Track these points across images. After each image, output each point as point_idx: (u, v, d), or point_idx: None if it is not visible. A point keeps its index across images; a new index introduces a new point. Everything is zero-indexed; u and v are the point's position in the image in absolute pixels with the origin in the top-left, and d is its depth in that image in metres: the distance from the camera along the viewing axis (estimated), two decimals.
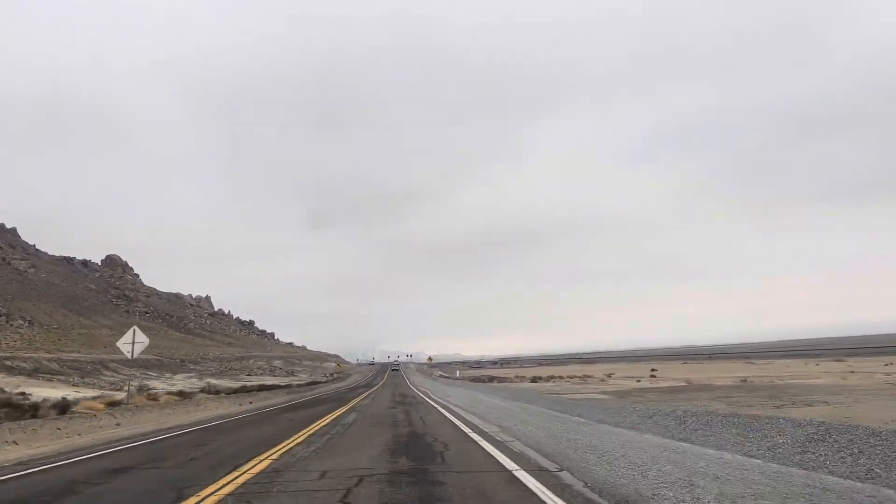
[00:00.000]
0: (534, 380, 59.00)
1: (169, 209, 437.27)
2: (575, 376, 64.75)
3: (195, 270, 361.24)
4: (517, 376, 67.12)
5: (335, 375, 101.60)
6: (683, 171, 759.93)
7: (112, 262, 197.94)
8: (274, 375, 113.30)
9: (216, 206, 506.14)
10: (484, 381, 61.36)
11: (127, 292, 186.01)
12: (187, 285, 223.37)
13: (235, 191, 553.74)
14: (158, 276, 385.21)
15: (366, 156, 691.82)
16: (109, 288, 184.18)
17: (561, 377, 63.58)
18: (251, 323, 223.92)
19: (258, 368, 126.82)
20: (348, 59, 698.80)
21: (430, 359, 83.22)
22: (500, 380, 62.49)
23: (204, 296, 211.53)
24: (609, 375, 62.12)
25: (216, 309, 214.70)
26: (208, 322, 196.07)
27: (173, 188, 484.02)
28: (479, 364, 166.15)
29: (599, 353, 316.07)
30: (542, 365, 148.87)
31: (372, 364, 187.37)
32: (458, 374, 61.69)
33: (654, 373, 64.29)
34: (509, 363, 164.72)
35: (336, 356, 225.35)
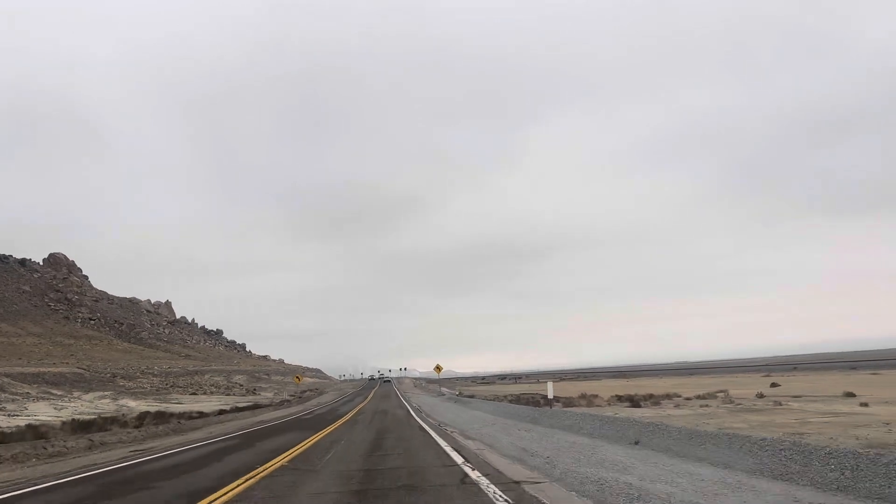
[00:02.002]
0: (635, 403, 33.88)
1: (141, 215, 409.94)
2: (677, 395, 39.80)
3: (167, 280, 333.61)
4: (587, 395, 41.85)
5: (305, 394, 76.26)
6: (685, 178, 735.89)
7: (56, 261, 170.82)
8: (229, 394, 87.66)
9: (194, 214, 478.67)
10: (538, 405, 36.16)
11: (70, 295, 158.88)
12: (156, 296, 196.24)
13: (216, 198, 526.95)
14: (122, 285, 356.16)
15: (355, 160, 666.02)
16: (49, 290, 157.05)
17: (667, 396, 38.61)
18: (219, 333, 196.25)
19: (211, 386, 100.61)
20: (333, 52, 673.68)
21: (437, 368, 57.43)
22: (566, 402, 37.21)
23: (164, 301, 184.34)
24: (759, 396, 37.11)
25: (178, 317, 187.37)
26: (166, 331, 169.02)
27: (145, 192, 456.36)
28: (485, 379, 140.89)
29: (609, 368, 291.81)
30: (564, 380, 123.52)
31: (372, 379, 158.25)
32: (551, 394, 35.46)
33: (776, 387, 39.67)
34: (520, 378, 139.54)
35: (317, 371, 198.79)
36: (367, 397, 59.28)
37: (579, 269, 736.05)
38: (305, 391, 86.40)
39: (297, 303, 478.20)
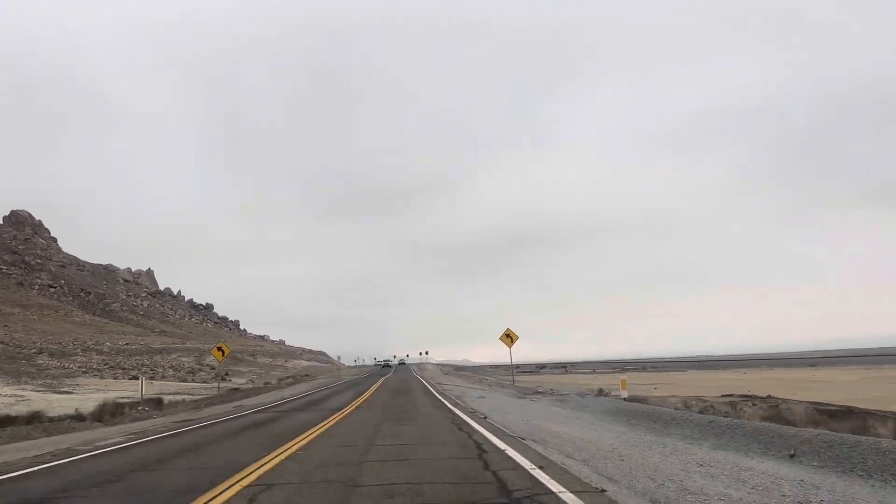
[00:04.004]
0: None
1: (146, 189, 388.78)
2: None
3: (170, 256, 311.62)
4: None
5: (284, 381, 52.08)
6: (728, 160, 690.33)
7: (18, 220, 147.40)
8: (187, 380, 63.52)
9: (204, 190, 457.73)
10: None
11: (29, 258, 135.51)
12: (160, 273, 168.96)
13: (227, 176, 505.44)
14: (119, 259, 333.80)
15: (371, 140, 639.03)
16: (3, 251, 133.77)
17: None
18: (208, 308, 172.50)
19: (172, 368, 76.58)
20: (353, 30, 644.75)
21: (508, 337, 31.38)
22: None
23: (145, 270, 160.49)
24: None
25: (162, 288, 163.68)
26: (144, 304, 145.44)
27: (151, 165, 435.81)
28: (519, 367, 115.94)
29: (652, 360, 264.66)
30: (628, 371, 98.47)
31: (387, 365, 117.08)
32: None
33: None
34: (565, 368, 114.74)
35: (320, 353, 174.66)
36: (364, 392, 31.95)
37: (603, 258, 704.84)
38: (285, 377, 61.97)
39: (310, 287, 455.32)
